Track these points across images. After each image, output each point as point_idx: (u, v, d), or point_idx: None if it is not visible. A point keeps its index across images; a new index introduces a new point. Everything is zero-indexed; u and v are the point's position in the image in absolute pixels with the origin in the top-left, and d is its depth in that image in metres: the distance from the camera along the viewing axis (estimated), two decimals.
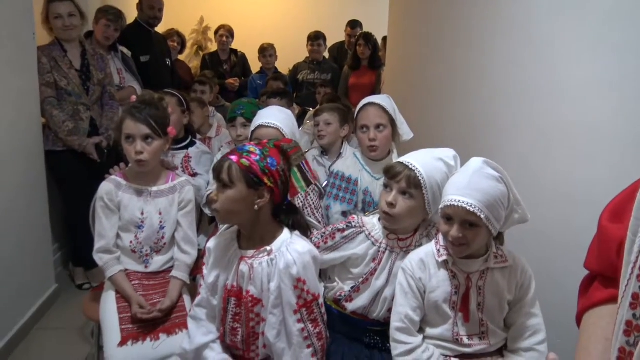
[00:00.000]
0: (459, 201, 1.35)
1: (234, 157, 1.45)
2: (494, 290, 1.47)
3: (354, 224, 1.66)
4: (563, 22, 1.88)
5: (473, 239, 1.38)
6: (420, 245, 1.60)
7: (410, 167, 1.54)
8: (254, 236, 1.51)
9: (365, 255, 1.62)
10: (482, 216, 1.34)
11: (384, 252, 1.61)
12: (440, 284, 1.47)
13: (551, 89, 1.94)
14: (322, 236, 1.70)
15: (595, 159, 1.73)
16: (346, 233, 1.65)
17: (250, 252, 1.49)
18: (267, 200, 1.46)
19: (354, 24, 5.57)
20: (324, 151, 2.79)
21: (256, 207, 1.45)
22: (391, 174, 1.58)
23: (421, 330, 1.52)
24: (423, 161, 1.57)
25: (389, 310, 1.54)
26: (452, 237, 1.38)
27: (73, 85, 3.02)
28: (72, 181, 3.05)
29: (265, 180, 1.44)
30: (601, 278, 0.96)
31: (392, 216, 1.56)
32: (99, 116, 3.16)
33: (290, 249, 1.46)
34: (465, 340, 1.47)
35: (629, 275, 0.79)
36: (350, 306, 1.63)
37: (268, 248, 1.48)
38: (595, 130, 1.73)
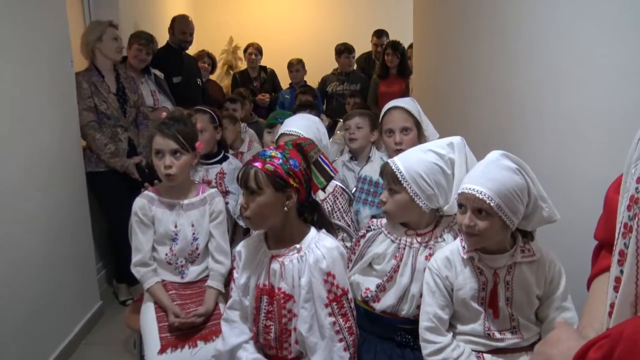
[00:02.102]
0: (470, 189, 1.37)
1: (257, 164, 1.50)
2: (522, 285, 1.46)
3: (372, 227, 1.70)
4: (588, 7, 1.84)
5: (485, 228, 1.38)
6: (443, 240, 1.61)
7: (391, 162, 1.61)
8: (283, 236, 1.56)
9: (386, 253, 1.64)
10: (493, 204, 1.34)
11: (403, 248, 1.63)
12: (466, 281, 1.47)
13: (581, 76, 1.89)
14: (351, 249, 1.75)
15: (628, 148, 1.68)
16: (367, 236, 1.69)
17: (281, 251, 1.54)
18: (295, 200, 1.51)
19: (379, 34, 5.59)
20: (353, 157, 2.82)
21: (285, 208, 1.50)
22: (380, 172, 1.66)
23: (452, 326, 1.52)
24: (406, 155, 1.63)
25: (418, 307, 1.55)
26: (463, 225, 1.40)
27: (112, 109, 3.15)
28: (114, 200, 3.16)
29: (291, 182, 1.49)
30: (607, 246, 0.99)
31: (386, 212, 1.63)
32: (136, 136, 3.29)
33: (319, 245, 1.51)
34: (497, 335, 1.46)
35: (617, 234, 0.81)
36: (379, 306, 1.64)
37: (298, 246, 1.52)
38: (629, 117, 1.68)
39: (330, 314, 1.48)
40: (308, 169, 1.55)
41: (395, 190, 1.60)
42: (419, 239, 1.63)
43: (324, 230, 1.58)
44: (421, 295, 1.54)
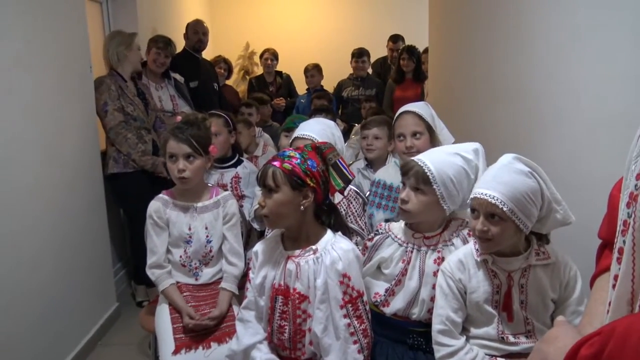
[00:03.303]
0: (482, 193, 1.36)
1: (276, 163, 1.53)
2: (536, 288, 1.45)
3: (380, 231, 1.70)
4: (605, 11, 1.83)
5: (498, 233, 1.37)
6: (452, 244, 1.60)
7: (420, 163, 1.57)
8: (299, 237, 1.59)
9: (393, 257, 1.64)
10: (505, 209, 1.33)
11: (411, 252, 1.62)
12: (480, 283, 1.46)
13: (597, 82, 1.88)
14: (361, 252, 1.74)
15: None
16: (374, 241, 1.69)
17: (297, 252, 1.56)
18: (311, 200, 1.53)
19: (395, 38, 5.59)
20: (369, 164, 2.81)
21: (302, 207, 1.53)
22: (403, 170, 1.62)
23: (465, 330, 1.51)
24: (434, 156, 1.60)
25: (429, 311, 1.55)
26: (476, 230, 1.39)
27: (138, 111, 3.21)
28: (139, 201, 3.14)
29: (308, 181, 1.51)
30: (610, 245, 0.98)
31: (406, 212, 1.59)
32: (157, 138, 3.33)
33: (335, 247, 1.53)
34: (511, 339, 1.45)
35: (617, 232, 0.81)
36: (388, 310, 1.64)
37: (314, 247, 1.55)
38: None
39: (345, 316, 1.49)
40: (326, 171, 1.58)
41: (422, 190, 1.57)
42: (426, 242, 1.62)
43: (339, 233, 1.60)
44: (431, 300, 1.54)
